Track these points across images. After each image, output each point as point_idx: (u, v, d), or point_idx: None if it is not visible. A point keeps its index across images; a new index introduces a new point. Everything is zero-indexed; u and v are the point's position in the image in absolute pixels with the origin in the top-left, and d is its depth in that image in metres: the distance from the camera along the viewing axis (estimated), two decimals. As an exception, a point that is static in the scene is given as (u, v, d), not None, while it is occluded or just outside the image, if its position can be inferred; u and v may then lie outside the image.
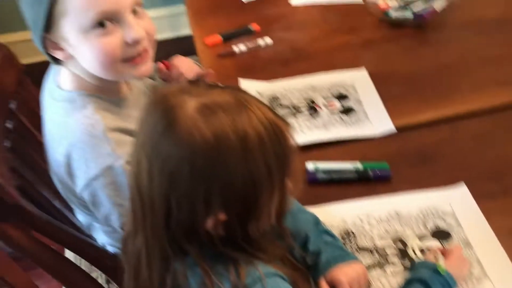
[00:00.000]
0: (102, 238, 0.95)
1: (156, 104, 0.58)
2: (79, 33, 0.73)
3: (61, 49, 0.77)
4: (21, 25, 2.53)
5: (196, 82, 0.61)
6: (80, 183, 0.79)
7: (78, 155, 0.77)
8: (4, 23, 2.32)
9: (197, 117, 0.55)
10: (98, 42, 0.74)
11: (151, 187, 0.57)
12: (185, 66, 0.96)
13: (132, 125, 0.80)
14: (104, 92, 0.82)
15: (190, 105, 0.56)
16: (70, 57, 0.78)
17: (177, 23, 2.45)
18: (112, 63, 0.76)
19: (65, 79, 0.82)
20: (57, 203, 0.98)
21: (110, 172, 0.77)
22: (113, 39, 0.74)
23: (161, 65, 0.96)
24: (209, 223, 0.57)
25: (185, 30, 2.48)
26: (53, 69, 0.86)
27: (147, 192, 0.57)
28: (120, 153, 0.76)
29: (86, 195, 0.80)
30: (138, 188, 0.58)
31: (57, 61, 0.80)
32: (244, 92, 0.61)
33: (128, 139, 0.78)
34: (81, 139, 0.77)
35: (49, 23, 0.74)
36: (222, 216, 0.57)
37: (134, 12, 0.76)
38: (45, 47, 0.77)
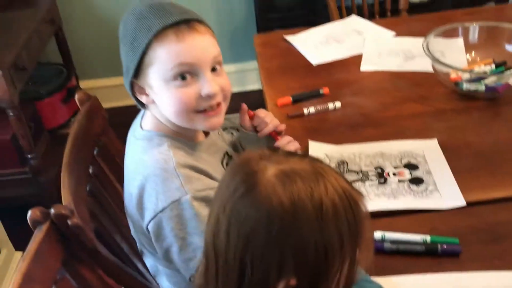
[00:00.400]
0: (165, 284, 0.98)
1: (238, 168, 0.61)
2: (162, 82, 0.82)
3: (146, 94, 0.86)
4: (102, 72, 2.73)
5: (275, 149, 0.64)
6: (148, 215, 0.84)
7: (151, 187, 0.83)
8: (88, 70, 2.50)
9: (276, 183, 0.58)
10: (177, 92, 0.82)
11: (228, 246, 0.59)
12: (268, 118, 1.00)
13: (202, 165, 0.86)
14: (180, 136, 0.89)
15: (270, 171, 0.59)
16: (153, 102, 0.86)
17: (245, 78, 2.56)
18: (186, 112, 0.84)
19: (147, 121, 0.91)
20: (125, 247, 1.02)
21: (177, 205, 0.81)
22: (190, 91, 0.82)
23: (247, 114, 1.01)
24: (280, 287, 0.58)
25: (252, 85, 2.59)
26: (141, 113, 0.95)
27: (223, 250, 0.59)
28: (188, 188, 0.81)
29: (151, 227, 0.84)
30: (214, 245, 0.61)
31: (141, 104, 0.89)
32: (321, 162, 0.63)
33: (197, 175, 0.84)
34: (154, 173, 0.83)
35: (139, 70, 0.83)
36: (292, 281, 0.58)
37: (213, 69, 0.84)
38: (132, 90, 0.87)
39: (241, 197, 0.58)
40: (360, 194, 0.62)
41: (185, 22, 0.81)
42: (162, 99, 0.83)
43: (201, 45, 0.81)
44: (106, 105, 1.15)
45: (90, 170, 1.00)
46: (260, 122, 1.00)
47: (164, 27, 0.79)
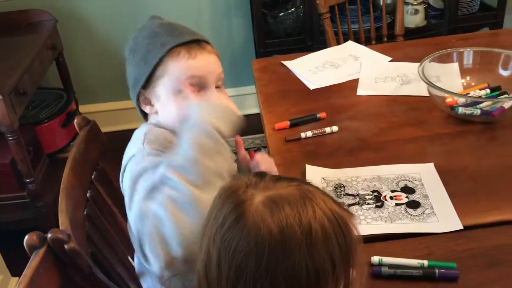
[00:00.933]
0: (150, 284, 0.97)
1: (226, 198, 0.61)
2: (171, 93, 0.88)
3: (150, 104, 0.92)
4: (102, 97, 2.76)
5: (262, 174, 0.64)
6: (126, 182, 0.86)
7: (135, 158, 0.86)
8: (88, 95, 2.53)
9: (263, 211, 0.58)
10: (184, 103, 0.87)
11: (220, 277, 0.59)
12: (265, 164, 0.98)
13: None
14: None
15: (257, 199, 0.59)
16: (156, 112, 0.92)
17: (243, 103, 2.58)
18: None
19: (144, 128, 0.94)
20: (121, 271, 1.01)
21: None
22: None
23: (249, 154, 1.00)
24: (275, 315, 0.58)
25: (250, 109, 2.60)
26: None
27: (215, 281, 0.59)
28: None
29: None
30: (207, 277, 0.61)
31: (143, 114, 0.95)
32: (309, 184, 0.63)
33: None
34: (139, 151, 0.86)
35: (148, 81, 0.89)
36: (286, 307, 0.58)
37: (217, 87, 0.90)
38: (138, 100, 0.92)
39: (229, 228, 0.58)
40: (349, 214, 0.62)
41: (196, 42, 0.89)
42: (168, 109, 0.89)
43: (210, 62, 0.90)
44: (105, 129, 1.16)
45: (88, 194, 1.00)
46: (254, 167, 0.98)
47: (177, 44, 0.87)
